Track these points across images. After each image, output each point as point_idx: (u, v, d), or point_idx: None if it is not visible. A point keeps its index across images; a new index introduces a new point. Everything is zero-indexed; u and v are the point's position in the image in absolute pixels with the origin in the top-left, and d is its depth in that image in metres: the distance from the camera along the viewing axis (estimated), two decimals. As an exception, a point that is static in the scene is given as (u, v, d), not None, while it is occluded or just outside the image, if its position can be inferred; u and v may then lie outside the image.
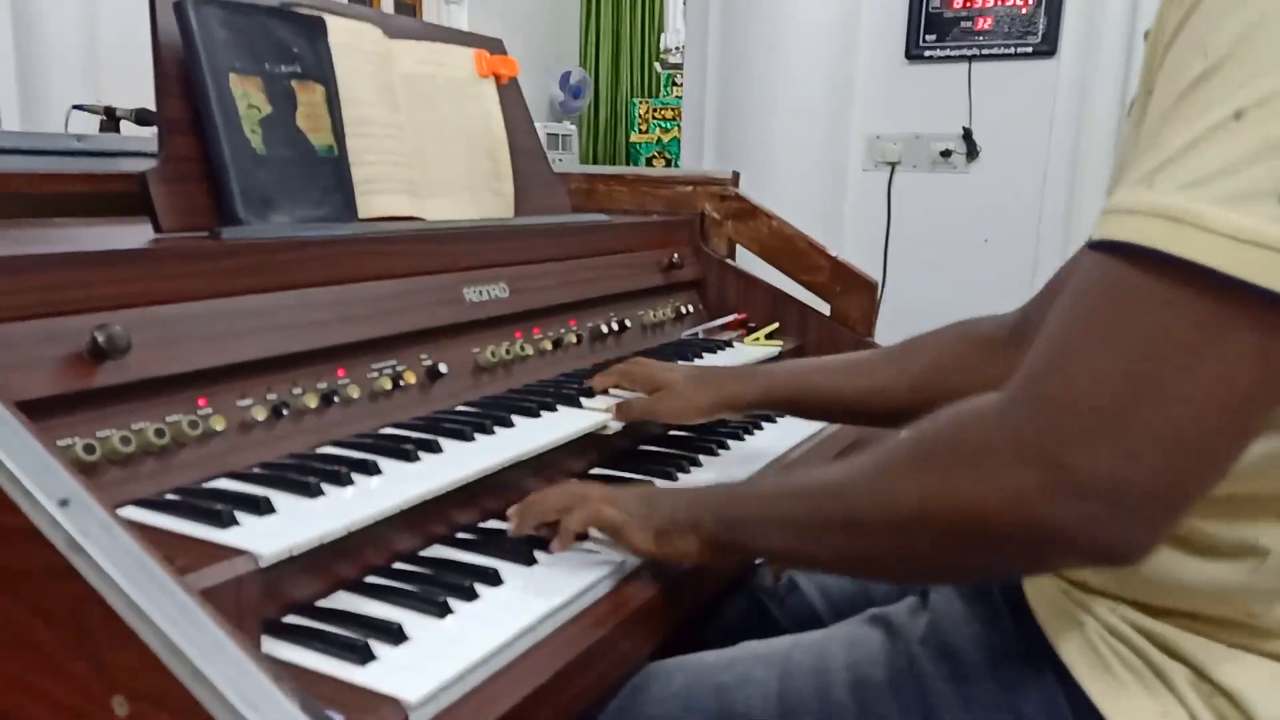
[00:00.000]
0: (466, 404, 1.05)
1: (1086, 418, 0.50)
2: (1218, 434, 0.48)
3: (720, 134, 3.32)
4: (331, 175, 0.99)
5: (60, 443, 0.69)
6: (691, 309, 1.57)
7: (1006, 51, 3.15)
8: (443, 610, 0.73)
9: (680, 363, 1.16)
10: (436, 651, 0.67)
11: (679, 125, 7.47)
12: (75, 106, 2.88)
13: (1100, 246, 0.51)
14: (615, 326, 1.34)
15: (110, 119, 2.74)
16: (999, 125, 3.16)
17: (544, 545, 0.84)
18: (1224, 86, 0.47)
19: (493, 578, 0.78)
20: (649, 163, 8.08)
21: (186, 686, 0.38)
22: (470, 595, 0.75)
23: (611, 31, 8.68)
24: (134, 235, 0.89)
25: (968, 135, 3.22)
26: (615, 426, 1.06)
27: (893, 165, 3.36)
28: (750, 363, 1.37)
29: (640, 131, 8.20)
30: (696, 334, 1.53)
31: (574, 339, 1.26)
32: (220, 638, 0.39)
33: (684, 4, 7.33)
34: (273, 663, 0.55)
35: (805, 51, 3.16)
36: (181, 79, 0.91)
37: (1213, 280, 0.46)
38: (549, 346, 1.21)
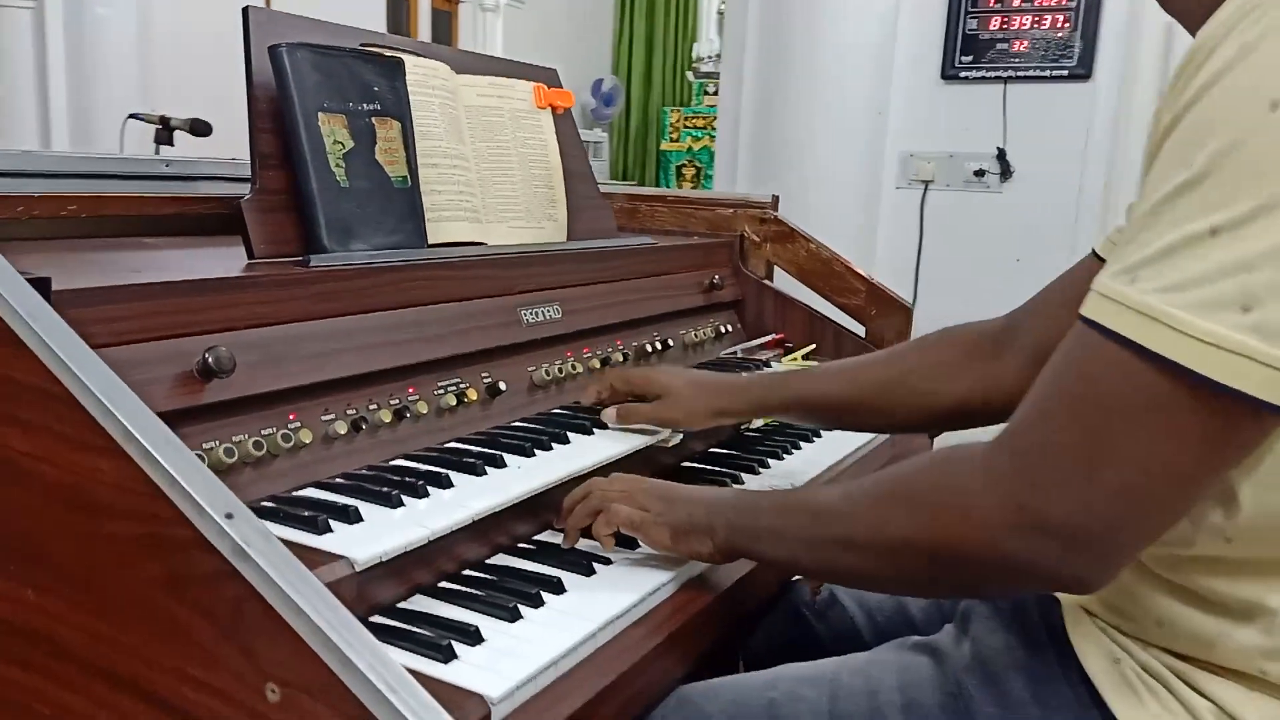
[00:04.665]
0: (523, 420, 1.11)
1: (1053, 470, 0.59)
2: (1164, 496, 0.58)
3: (755, 150, 3.36)
4: (405, 204, 1.06)
5: (173, 454, 0.76)
6: (730, 329, 1.63)
7: (1042, 74, 3.18)
8: (513, 615, 0.79)
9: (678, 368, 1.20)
10: (510, 652, 0.74)
11: (710, 134, 7.53)
12: (131, 115, 2.98)
13: (1088, 322, 0.59)
14: (659, 346, 1.41)
15: (165, 128, 2.85)
16: (1033, 146, 3.19)
17: (599, 556, 0.91)
18: (1202, 202, 0.54)
19: (556, 586, 0.85)
20: (679, 171, 8.13)
21: (336, 673, 0.45)
22: (538, 602, 0.82)
23: (645, 40, 8.75)
24: (227, 258, 0.97)
25: (1002, 155, 3.26)
26: (675, 439, 1.11)
27: (926, 184, 3.40)
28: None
29: (671, 140, 8.25)
30: (735, 353, 1.59)
31: (620, 358, 1.33)
32: (361, 631, 0.46)
33: (718, 15, 7.40)
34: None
35: (842, 71, 3.20)
36: (274, 116, 0.99)
37: (1176, 372, 0.54)
38: (597, 365, 1.28)
